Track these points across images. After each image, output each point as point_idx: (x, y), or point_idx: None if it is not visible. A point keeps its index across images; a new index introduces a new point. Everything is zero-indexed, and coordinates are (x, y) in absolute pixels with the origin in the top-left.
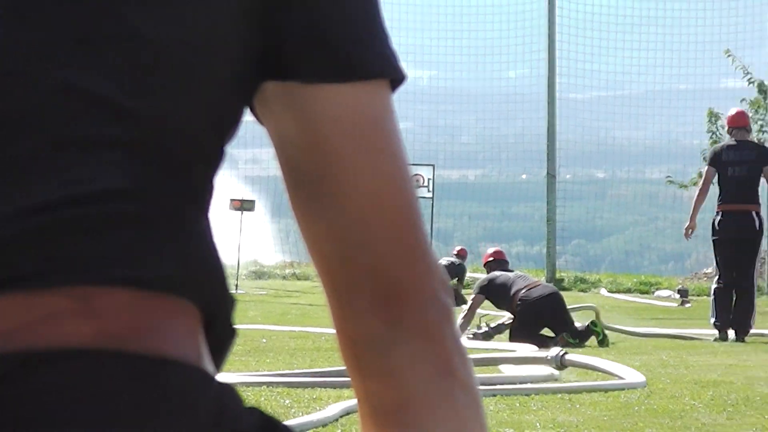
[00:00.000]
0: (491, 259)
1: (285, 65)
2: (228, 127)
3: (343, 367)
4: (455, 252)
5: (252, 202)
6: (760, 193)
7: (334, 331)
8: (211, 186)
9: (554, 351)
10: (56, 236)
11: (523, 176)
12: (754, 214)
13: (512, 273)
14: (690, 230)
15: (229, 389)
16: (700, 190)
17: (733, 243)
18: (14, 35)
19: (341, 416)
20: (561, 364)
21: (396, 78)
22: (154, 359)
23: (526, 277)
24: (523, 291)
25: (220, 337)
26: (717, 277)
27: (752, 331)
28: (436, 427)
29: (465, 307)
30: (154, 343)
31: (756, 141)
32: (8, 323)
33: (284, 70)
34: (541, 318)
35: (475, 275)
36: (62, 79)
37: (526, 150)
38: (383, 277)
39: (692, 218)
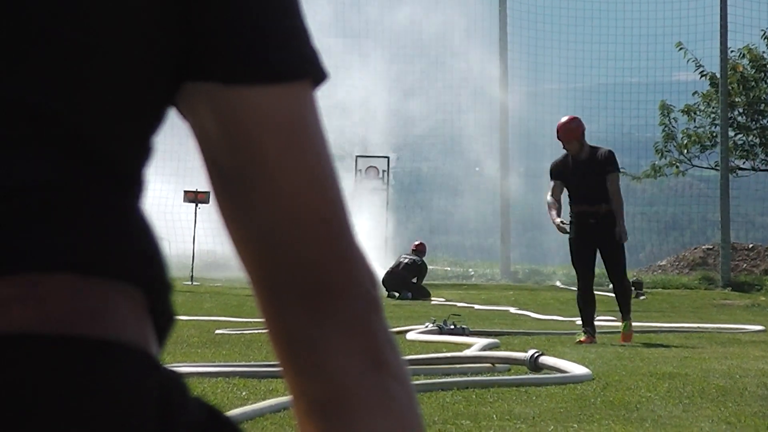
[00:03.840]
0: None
1: (205, 67)
2: (150, 124)
3: None
4: (414, 247)
5: (207, 193)
6: None
7: None
8: (139, 178)
9: (529, 352)
10: None
11: (477, 169)
12: None
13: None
14: None
15: (175, 376)
16: None
17: None
18: None
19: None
20: (535, 365)
21: (317, 77)
22: (99, 342)
23: None
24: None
25: (161, 322)
26: None
27: (707, 325)
28: (370, 420)
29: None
30: (99, 327)
31: None
32: None
33: (205, 72)
34: None
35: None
36: None
37: (479, 143)
38: (309, 273)
39: None
